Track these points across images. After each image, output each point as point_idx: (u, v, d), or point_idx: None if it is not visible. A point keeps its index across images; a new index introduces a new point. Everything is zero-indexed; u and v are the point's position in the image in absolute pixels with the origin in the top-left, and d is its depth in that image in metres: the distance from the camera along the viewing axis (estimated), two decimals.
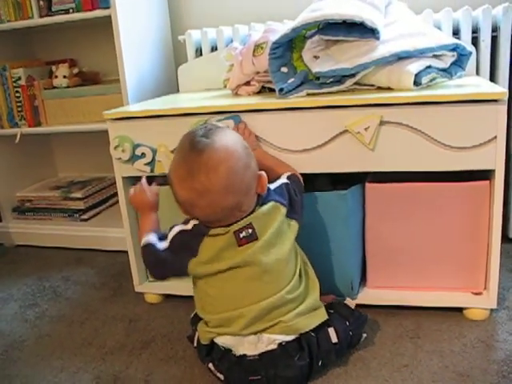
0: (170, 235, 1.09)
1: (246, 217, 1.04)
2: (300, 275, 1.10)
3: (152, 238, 1.10)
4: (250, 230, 1.03)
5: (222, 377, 1.05)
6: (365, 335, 1.13)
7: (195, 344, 1.11)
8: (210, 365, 1.06)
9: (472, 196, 1.19)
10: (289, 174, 1.15)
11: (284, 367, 1.01)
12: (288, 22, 1.56)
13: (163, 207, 1.36)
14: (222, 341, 1.05)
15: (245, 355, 1.03)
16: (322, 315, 1.08)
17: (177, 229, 1.08)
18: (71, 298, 1.52)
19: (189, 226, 1.07)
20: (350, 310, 1.13)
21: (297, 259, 1.10)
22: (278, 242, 1.06)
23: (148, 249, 1.10)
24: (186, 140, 1.03)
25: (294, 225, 1.10)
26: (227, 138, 1.03)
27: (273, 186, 1.10)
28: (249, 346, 1.03)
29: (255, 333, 1.03)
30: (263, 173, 1.06)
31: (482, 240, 1.21)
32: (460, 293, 1.25)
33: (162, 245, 1.08)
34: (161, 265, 1.09)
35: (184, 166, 1.01)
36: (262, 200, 1.06)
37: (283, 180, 1.13)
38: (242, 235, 1.03)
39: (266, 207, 1.05)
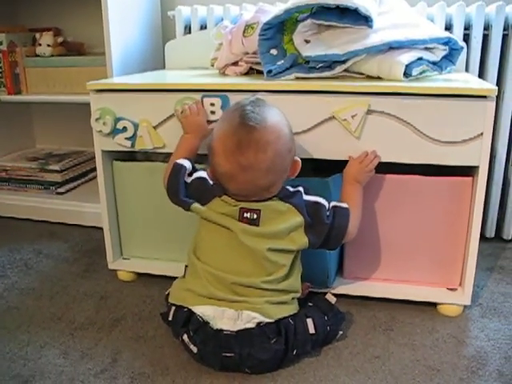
0: (195, 175, 1.12)
1: (262, 201, 1.05)
2: (285, 278, 1.08)
3: (188, 164, 1.13)
4: (255, 216, 1.05)
5: (195, 349, 1.03)
6: (341, 332, 1.13)
7: (171, 317, 1.09)
8: (185, 336, 1.05)
9: (454, 191, 1.18)
10: (341, 205, 1.11)
11: (259, 348, 1.00)
12: (280, 4, 1.53)
13: (143, 185, 1.34)
14: (201, 311, 1.04)
15: (222, 330, 1.02)
16: (289, 310, 1.07)
17: (203, 174, 1.11)
18: (42, 271, 1.49)
19: (211, 182, 1.09)
20: (329, 306, 1.12)
21: (288, 263, 1.08)
22: (275, 239, 1.06)
23: (178, 170, 1.12)
24: (236, 113, 1.04)
25: (302, 239, 1.07)
26: (278, 119, 1.06)
27: (308, 198, 1.09)
28: (227, 322, 1.02)
29: (218, 299, 1.04)
30: (299, 159, 1.09)
31: (460, 236, 1.21)
32: (435, 288, 1.26)
33: (186, 177, 1.12)
34: (175, 189, 1.12)
35: (233, 138, 1.01)
36: (285, 194, 1.07)
37: (323, 201, 1.10)
38: (245, 215, 1.05)
39: (282, 206, 1.06)
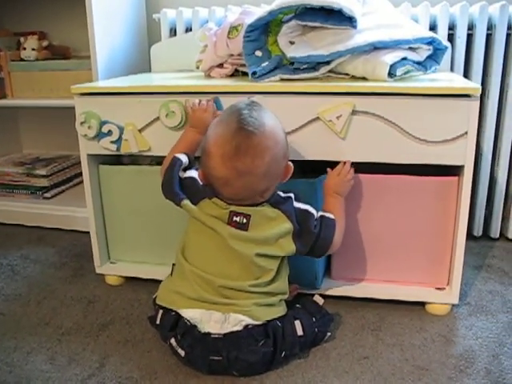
0: (186, 174, 1.12)
1: (253, 206, 1.05)
2: (271, 281, 1.08)
3: (184, 159, 1.13)
4: (245, 220, 1.05)
5: (182, 353, 1.03)
6: (329, 334, 1.13)
7: (158, 321, 1.09)
8: (172, 340, 1.04)
9: (440, 191, 1.19)
10: (328, 216, 1.12)
11: (247, 351, 1.00)
12: (265, 6, 1.53)
13: (129, 188, 1.33)
14: (189, 315, 1.03)
15: (209, 333, 1.01)
16: (277, 312, 1.07)
17: (193, 174, 1.11)
18: (29, 276, 1.48)
19: (201, 183, 1.09)
20: (317, 308, 1.12)
21: (275, 268, 1.08)
22: (264, 245, 1.06)
23: (174, 163, 1.12)
24: (233, 117, 1.03)
25: (290, 246, 1.08)
26: (274, 124, 1.05)
27: (297, 205, 1.09)
28: (215, 325, 1.02)
29: (207, 302, 1.03)
30: (291, 164, 1.08)
31: (447, 236, 1.21)
32: (423, 287, 1.26)
33: (181, 172, 1.12)
34: (169, 182, 1.11)
35: (232, 143, 1.00)
36: (276, 199, 1.08)
37: (312, 210, 1.10)
38: (235, 219, 1.05)
39: (271, 212, 1.06)
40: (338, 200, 1.17)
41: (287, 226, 1.07)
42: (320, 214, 1.12)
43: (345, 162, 1.16)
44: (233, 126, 1.01)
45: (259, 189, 1.04)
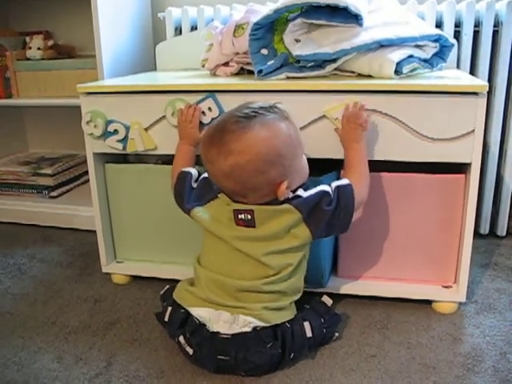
0: (203, 175, 1.14)
1: (252, 204, 1.04)
2: (288, 277, 1.06)
3: (194, 171, 1.16)
4: (249, 216, 1.03)
5: (190, 351, 1.03)
6: (337, 334, 1.12)
7: (167, 318, 1.09)
8: (181, 338, 1.04)
9: (447, 189, 1.18)
10: (343, 183, 1.05)
11: (255, 352, 0.99)
12: (270, 4, 1.53)
13: (135, 187, 1.33)
14: (198, 313, 1.03)
15: (218, 332, 1.01)
16: (286, 315, 1.05)
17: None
18: (36, 276, 1.48)
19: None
20: (326, 308, 1.12)
21: (295, 262, 1.06)
22: (275, 240, 1.04)
23: (183, 177, 1.14)
24: (235, 108, 1.04)
25: (305, 232, 1.04)
26: (262, 134, 0.98)
27: (306, 194, 1.04)
28: (224, 325, 1.01)
29: (216, 304, 1.03)
30: (285, 183, 1.01)
31: (454, 234, 1.21)
32: (430, 285, 1.25)
33: (193, 183, 1.14)
34: (180, 197, 1.13)
35: (213, 129, 1.02)
36: (278, 201, 1.04)
37: (324, 188, 1.05)
38: (240, 217, 1.04)
39: (278, 207, 1.03)
40: (356, 149, 1.11)
41: (296, 216, 1.03)
42: (334, 185, 1.06)
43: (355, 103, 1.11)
44: (225, 116, 1.03)
45: (226, 187, 1.03)
